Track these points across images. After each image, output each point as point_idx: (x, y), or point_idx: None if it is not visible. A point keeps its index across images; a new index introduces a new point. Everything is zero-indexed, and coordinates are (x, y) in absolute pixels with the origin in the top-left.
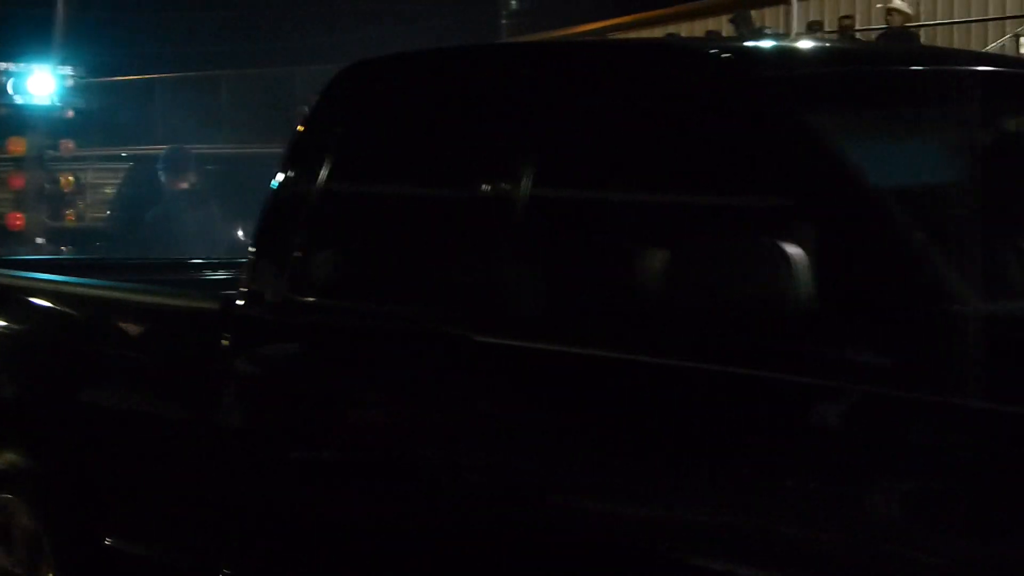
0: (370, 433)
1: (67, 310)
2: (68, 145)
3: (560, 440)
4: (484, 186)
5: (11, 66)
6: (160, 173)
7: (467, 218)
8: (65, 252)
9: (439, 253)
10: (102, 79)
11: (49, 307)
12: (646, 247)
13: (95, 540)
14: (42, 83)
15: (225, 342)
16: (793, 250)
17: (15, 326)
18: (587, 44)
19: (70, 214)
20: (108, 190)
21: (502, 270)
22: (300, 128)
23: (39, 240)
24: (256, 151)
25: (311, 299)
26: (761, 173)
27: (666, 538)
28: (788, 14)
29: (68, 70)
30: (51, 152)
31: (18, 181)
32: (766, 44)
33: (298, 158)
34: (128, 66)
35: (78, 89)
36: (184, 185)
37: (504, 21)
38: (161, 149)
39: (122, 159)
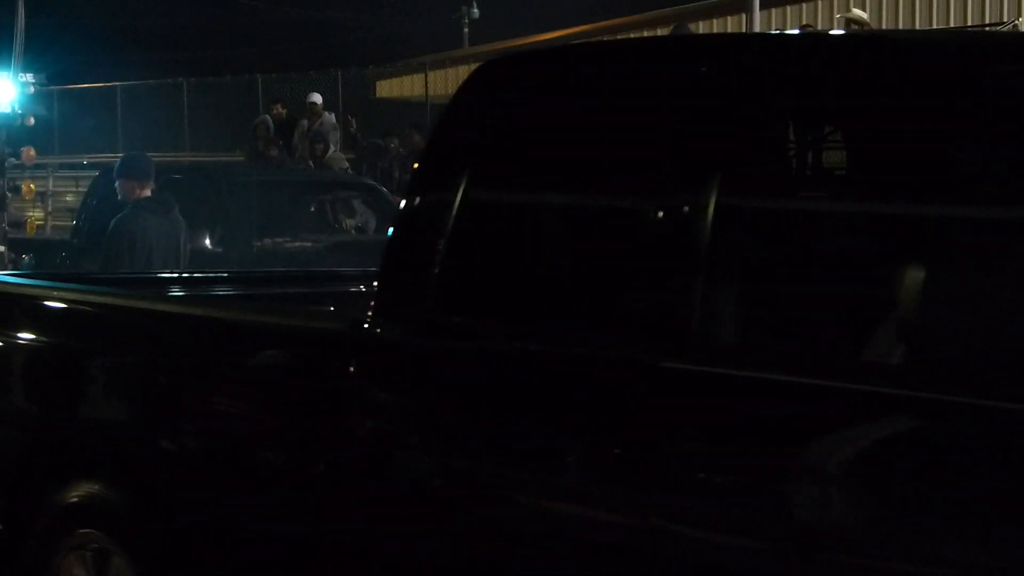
0: (538, 473)
1: (162, 329)
2: (29, 152)
3: (768, 485)
4: (668, 193)
5: None
6: (117, 181)
7: (646, 230)
8: (25, 261)
9: (611, 269)
10: (64, 86)
11: (144, 326)
12: (879, 263)
13: None
14: (2, 90)
15: (352, 367)
16: None
17: (105, 346)
18: (793, 37)
19: (31, 222)
20: (70, 198)
21: (692, 288)
22: (436, 131)
23: None
24: (218, 159)
25: (458, 320)
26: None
27: None
28: (749, 23)
29: (29, 77)
30: (12, 160)
31: None
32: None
33: (436, 164)
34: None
35: (39, 96)
36: (146, 192)
37: (465, 30)
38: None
39: (84, 167)
